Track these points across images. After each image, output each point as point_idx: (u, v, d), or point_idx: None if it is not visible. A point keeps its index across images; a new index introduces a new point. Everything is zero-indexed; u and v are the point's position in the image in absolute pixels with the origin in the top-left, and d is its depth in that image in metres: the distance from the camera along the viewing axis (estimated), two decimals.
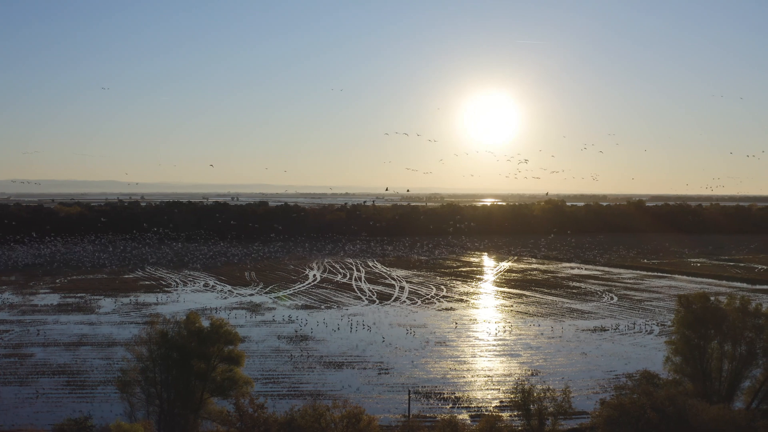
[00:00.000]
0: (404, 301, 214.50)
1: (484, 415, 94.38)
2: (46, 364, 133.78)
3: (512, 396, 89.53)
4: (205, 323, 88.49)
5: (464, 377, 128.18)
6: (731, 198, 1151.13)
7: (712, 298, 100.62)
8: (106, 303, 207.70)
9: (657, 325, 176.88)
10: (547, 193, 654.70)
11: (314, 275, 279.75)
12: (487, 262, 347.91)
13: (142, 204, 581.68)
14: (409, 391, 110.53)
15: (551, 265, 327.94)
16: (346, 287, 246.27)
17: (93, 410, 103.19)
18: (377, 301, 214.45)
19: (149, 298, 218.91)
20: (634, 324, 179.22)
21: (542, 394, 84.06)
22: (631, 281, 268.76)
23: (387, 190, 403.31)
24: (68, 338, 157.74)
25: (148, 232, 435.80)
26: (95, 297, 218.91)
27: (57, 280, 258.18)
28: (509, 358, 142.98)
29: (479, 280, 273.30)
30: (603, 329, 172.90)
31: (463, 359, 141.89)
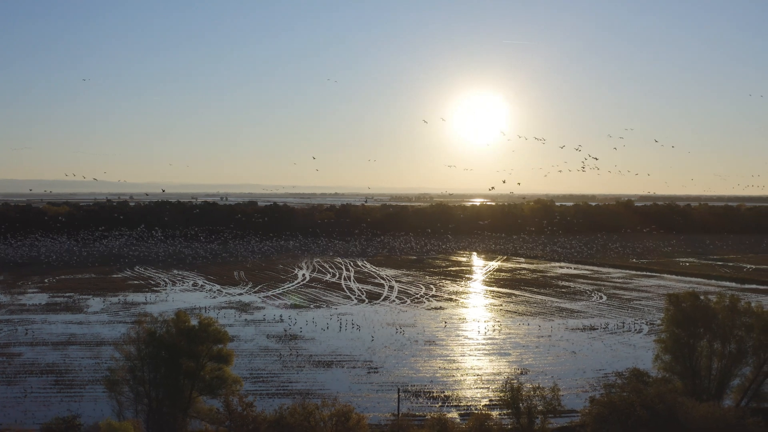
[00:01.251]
0: (393, 301, 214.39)
1: (474, 413, 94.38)
2: (35, 364, 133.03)
3: (501, 394, 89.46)
4: (194, 322, 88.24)
5: (453, 376, 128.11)
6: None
7: (702, 297, 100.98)
8: (95, 302, 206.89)
9: (646, 324, 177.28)
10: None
11: (303, 275, 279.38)
12: (476, 261, 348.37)
13: (131, 204, 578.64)
14: (399, 389, 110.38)
15: (540, 265, 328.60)
16: (335, 286, 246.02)
17: (81, 409, 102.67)
18: (366, 301, 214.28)
19: (138, 297, 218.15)
20: (623, 323, 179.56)
21: (532, 393, 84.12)
22: (620, 280, 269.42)
23: (492, 189, 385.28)
24: (56, 337, 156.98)
25: (137, 232, 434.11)
26: (84, 296, 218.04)
27: (45, 280, 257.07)
28: (498, 357, 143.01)
29: (468, 279, 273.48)
30: (592, 328, 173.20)
31: (452, 358, 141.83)
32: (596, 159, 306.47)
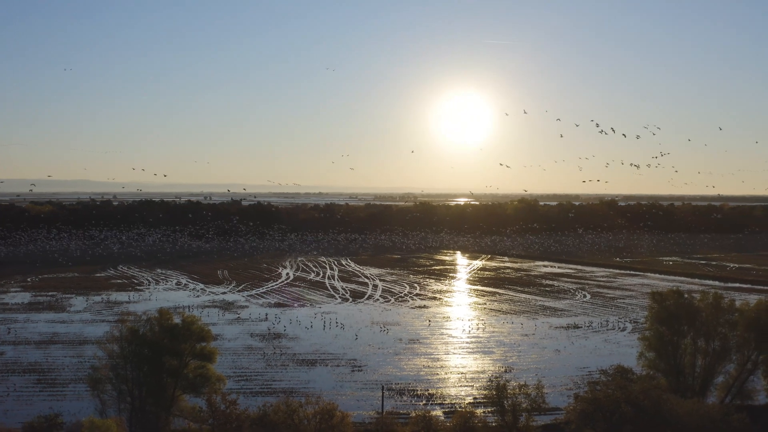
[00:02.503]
0: (377, 299, 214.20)
1: (458, 411, 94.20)
2: (17, 363, 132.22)
3: (486, 392, 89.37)
4: (178, 320, 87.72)
5: (438, 374, 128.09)
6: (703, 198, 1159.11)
7: (686, 295, 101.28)
8: (78, 301, 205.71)
9: (630, 323, 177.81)
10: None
11: (287, 273, 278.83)
12: (460, 260, 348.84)
13: (114, 203, 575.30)
14: (383, 387, 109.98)
15: (524, 264, 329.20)
16: (319, 285, 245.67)
17: (64, 408, 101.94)
18: (350, 299, 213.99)
19: (121, 296, 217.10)
20: (607, 321, 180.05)
21: (516, 390, 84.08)
22: (603, 279, 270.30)
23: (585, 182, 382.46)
24: (39, 336, 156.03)
25: (121, 232, 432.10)
26: (67, 295, 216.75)
27: (28, 279, 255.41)
28: (482, 355, 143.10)
29: (452, 278, 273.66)
30: (576, 326, 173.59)
31: (436, 356, 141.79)
32: (668, 154, 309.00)
